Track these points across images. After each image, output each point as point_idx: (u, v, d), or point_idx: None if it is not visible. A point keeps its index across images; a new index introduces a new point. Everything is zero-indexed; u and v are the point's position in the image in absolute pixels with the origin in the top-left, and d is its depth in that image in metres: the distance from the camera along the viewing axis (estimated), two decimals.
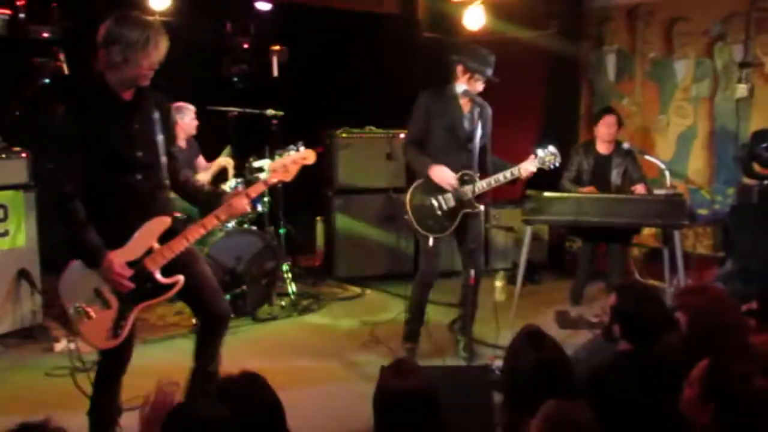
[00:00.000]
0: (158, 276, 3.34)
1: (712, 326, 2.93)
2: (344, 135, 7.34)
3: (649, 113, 7.66)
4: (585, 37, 8.07)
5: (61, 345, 5.26)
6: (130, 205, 3.30)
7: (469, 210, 4.86)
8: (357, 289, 7.09)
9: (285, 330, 5.97)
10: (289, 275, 6.66)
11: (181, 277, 3.40)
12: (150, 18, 3.29)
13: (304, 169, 7.13)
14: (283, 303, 6.42)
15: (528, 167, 4.84)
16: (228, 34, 7.46)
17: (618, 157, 6.14)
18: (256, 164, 6.44)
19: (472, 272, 4.81)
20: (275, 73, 7.08)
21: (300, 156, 3.62)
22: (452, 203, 4.86)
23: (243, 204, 3.46)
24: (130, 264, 3.28)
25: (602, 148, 6.17)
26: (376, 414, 2.58)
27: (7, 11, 5.75)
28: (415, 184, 4.97)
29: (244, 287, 5.92)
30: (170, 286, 3.38)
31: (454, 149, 4.90)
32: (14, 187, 5.40)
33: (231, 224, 6.02)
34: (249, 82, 7.55)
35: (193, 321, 3.79)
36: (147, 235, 3.31)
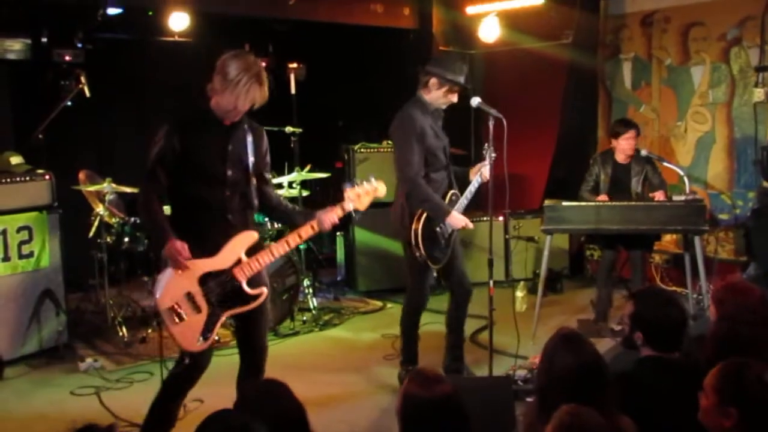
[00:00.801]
0: (245, 286, 3.53)
1: (741, 323, 2.93)
2: (362, 149, 7.39)
3: (668, 119, 7.64)
4: (601, 45, 8.07)
5: (86, 364, 5.33)
6: (219, 217, 3.53)
7: (457, 229, 4.72)
8: (378, 303, 7.11)
9: (307, 345, 6.00)
10: (311, 290, 6.71)
11: (265, 289, 3.60)
12: (257, 64, 3.44)
13: (322, 184, 7.25)
14: (304, 318, 6.45)
15: (485, 167, 4.72)
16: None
17: (637, 165, 6.12)
18: (276, 181, 6.51)
19: (491, 283, 4.59)
20: (293, 90, 7.14)
21: (373, 188, 3.79)
22: (450, 229, 4.70)
23: (325, 226, 3.66)
24: (220, 273, 3.48)
25: (621, 157, 6.17)
26: (403, 424, 2.56)
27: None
28: (422, 219, 4.58)
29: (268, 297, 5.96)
30: (255, 297, 3.58)
31: (441, 169, 4.73)
32: (38, 208, 5.50)
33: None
34: (267, 100, 7.63)
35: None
36: (236, 247, 3.52)
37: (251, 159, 3.59)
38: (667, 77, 7.62)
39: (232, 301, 3.53)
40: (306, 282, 6.67)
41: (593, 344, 2.75)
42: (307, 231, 3.63)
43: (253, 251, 3.56)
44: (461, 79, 4.62)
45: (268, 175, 3.82)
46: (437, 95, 4.64)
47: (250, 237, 3.56)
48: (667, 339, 2.95)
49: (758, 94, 6.82)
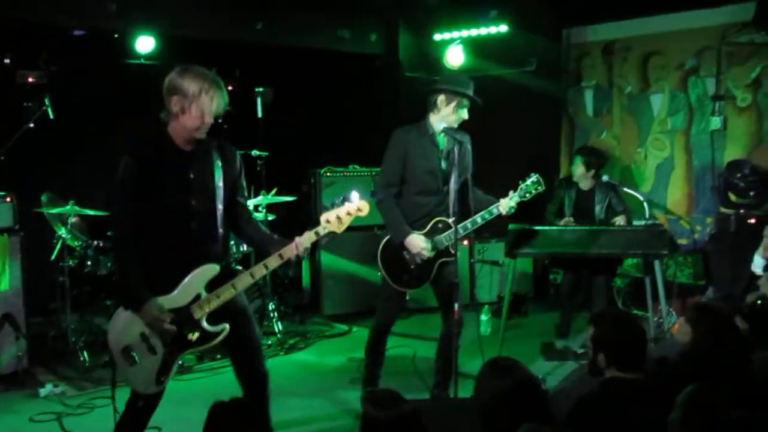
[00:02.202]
0: (204, 324, 3.34)
1: (715, 345, 2.99)
2: (328, 173, 7.42)
3: (628, 146, 7.80)
4: (564, 73, 8.23)
5: (46, 389, 5.24)
6: (182, 252, 3.32)
7: (445, 258, 4.57)
8: (344, 327, 7.10)
9: (272, 369, 5.82)
10: (276, 314, 6.68)
11: (227, 326, 3.38)
12: (209, 72, 3.31)
13: (289, 207, 7.25)
14: (269, 342, 6.41)
15: (508, 203, 4.58)
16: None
17: (600, 192, 6.23)
18: None
19: (456, 306, 4.47)
20: (260, 113, 7.16)
21: (354, 207, 3.45)
22: (428, 255, 4.55)
23: (293, 254, 3.41)
24: (176, 311, 3.29)
25: (582, 183, 6.27)
26: None
27: None
28: (386, 239, 4.59)
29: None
30: (216, 334, 3.37)
31: (429, 193, 4.59)
32: None
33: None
34: (234, 124, 7.63)
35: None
36: (194, 282, 3.32)
37: (219, 184, 3.38)
38: (628, 105, 7.79)
39: (190, 339, 3.34)
40: (271, 305, 6.65)
41: (518, 364, 2.75)
42: (274, 261, 3.40)
43: (215, 285, 3.35)
44: (470, 91, 4.53)
45: (242, 199, 3.60)
46: (447, 112, 4.51)
47: (210, 271, 3.34)
48: (629, 358, 3.00)
49: (715, 122, 7.02)
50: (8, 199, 5.49)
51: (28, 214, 5.85)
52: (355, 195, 3.53)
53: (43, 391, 5.23)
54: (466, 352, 5.02)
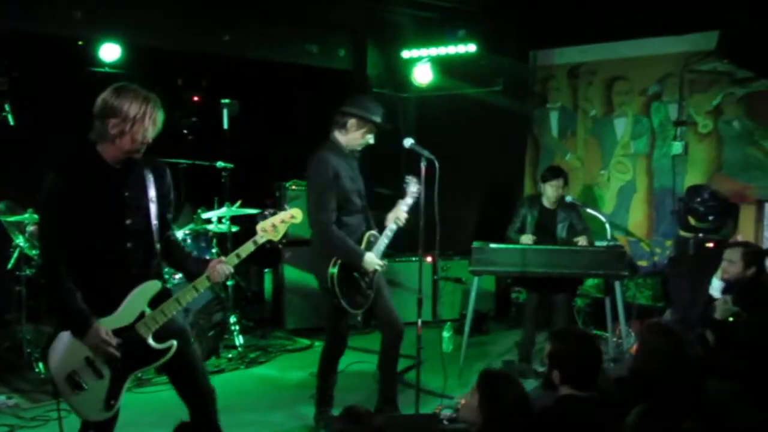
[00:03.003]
0: (150, 341, 3.26)
1: (661, 366, 3.04)
2: (294, 187, 7.39)
3: (592, 168, 7.91)
4: (530, 94, 8.34)
5: None
6: (120, 272, 3.23)
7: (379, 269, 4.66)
8: (305, 341, 7.05)
9: (232, 383, 5.90)
10: (237, 327, 6.61)
11: (174, 342, 3.31)
12: (148, 93, 3.22)
13: (255, 221, 7.20)
14: (230, 355, 6.35)
15: (402, 210, 4.69)
16: (179, 87, 7.52)
17: (563, 212, 6.30)
18: (205, 216, 6.46)
19: (419, 322, 4.59)
20: (225, 125, 7.12)
21: (288, 215, 3.56)
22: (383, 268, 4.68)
23: (227, 268, 3.43)
24: (121, 330, 3.21)
25: (548, 203, 6.34)
26: None
27: None
28: (338, 265, 4.49)
29: (192, 339, 5.84)
30: (164, 352, 3.30)
31: (356, 212, 4.65)
32: None
33: (178, 276, 5.96)
34: (199, 135, 7.59)
35: None
36: (137, 300, 3.25)
37: (152, 202, 3.31)
38: (592, 127, 7.92)
39: (138, 359, 3.26)
40: (233, 319, 6.58)
41: (514, 380, 2.80)
42: (201, 284, 3.38)
43: (157, 302, 3.28)
44: (379, 119, 4.59)
45: (169, 215, 3.53)
46: (355, 136, 4.58)
47: (152, 287, 3.27)
48: (582, 376, 3.04)
49: (676, 147, 7.17)
50: None
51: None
52: (284, 206, 3.63)
53: None
54: (427, 369, 5.03)
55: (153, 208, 3.32)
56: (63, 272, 3.13)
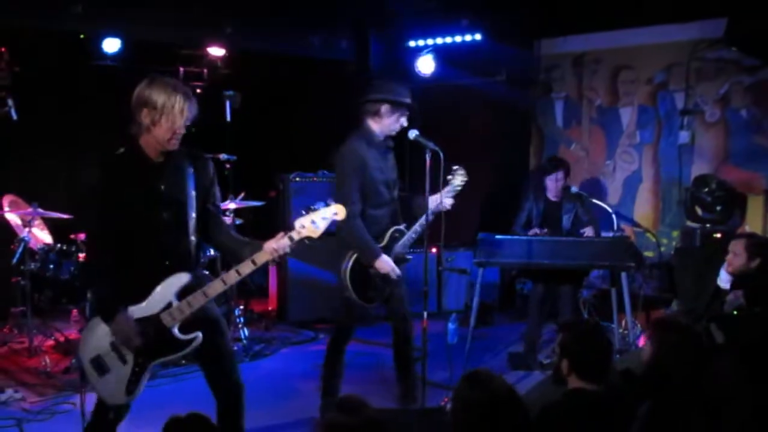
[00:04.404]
0: (175, 332, 3.30)
1: (674, 362, 3.01)
2: (297, 179, 7.37)
3: (597, 158, 7.86)
4: (534, 84, 8.28)
5: (5, 395, 5.13)
6: (154, 264, 3.31)
7: (402, 265, 4.60)
8: (310, 333, 7.05)
9: None
10: (242, 320, 6.60)
11: (199, 334, 3.34)
12: (178, 82, 3.31)
13: (258, 213, 7.20)
14: (235, 348, 6.34)
15: (445, 202, 4.58)
16: (181, 79, 7.48)
17: (568, 202, 6.26)
18: None
19: (424, 315, 4.49)
20: (228, 117, 7.09)
21: (331, 212, 3.41)
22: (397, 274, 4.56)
23: (268, 259, 3.36)
24: (147, 319, 3.27)
25: (551, 194, 6.30)
26: None
27: None
28: (353, 259, 4.48)
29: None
30: (188, 343, 3.33)
31: (383, 205, 4.58)
32: None
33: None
34: (202, 127, 7.54)
35: None
36: (165, 291, 3.30)
37: (192, 194, 3.37)
38: (597, 117, 7.86)
39: (161, 348, 3.31)
40: (237, 311, 6.57)
41: (497, 377, 2.71)
42: (247, 267, 3.33)
43: (186, 293, 3.32)
44: (409, 100, 4.55)
45: (214, 207, 3.56)
46: (390, 121, 4.52)
47: (180, 279, 3.32)
48: (592, 368, 3.01)
49: (683, 136, 7.11)
50: None
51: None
52: (330, 201, 3.50)
53: (2, 396, 5.12)
54: (432, 361, 5.01)
55: (191, 201, 3.38)
56: (103, 261, 3.32)
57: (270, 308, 7.78)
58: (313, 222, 3.37)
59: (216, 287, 3.33)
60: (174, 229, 3.35)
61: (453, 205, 4.65)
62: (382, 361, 5.74)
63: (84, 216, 3.45)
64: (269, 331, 7.08)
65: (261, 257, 3.31)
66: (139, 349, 3.26)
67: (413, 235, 4.59)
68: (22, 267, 5.94)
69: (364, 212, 4.48)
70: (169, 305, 3.29)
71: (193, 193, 3.39)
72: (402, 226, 4.62)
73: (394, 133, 4.60)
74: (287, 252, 3.36)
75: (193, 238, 3.42)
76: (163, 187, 3.33)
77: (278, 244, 3.32)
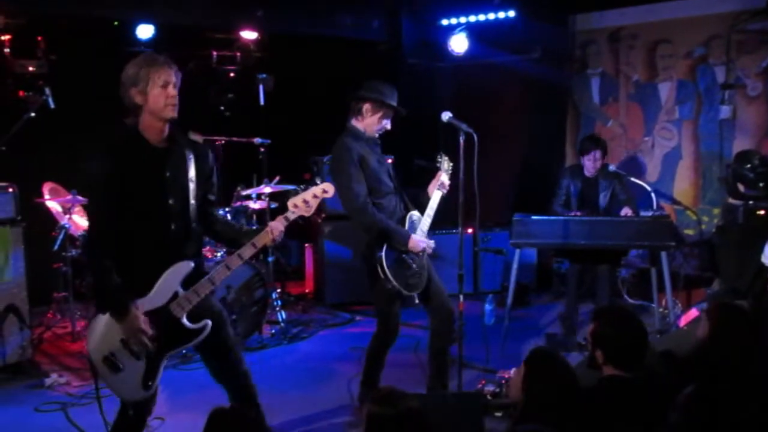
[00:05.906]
0: (185, 321, 3.29)
1: (731, 347, 2.94)
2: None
3: (634, 135, 7.73)
4: (569, 60, 8.15)
5: (50, 380, 5.23)
6: (160, 252, 3.27)
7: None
8: (347, 315, 7.07)
9: (276, 358, 5.95)
10: (279, 303, 6.65)
11: (208, 322, 3.33)
12: (152, 53, 3.31)
13: (291, 196, 7.20)
14: (273, 331, 6.40)
15: (443, 181, 4.60)
16: (214, 63, 7.51)
17: (605, 180, 6.17)
18: (244, 192, 6.47)
19: (460, 297, 4.52)
20: (262, 101, 7.10)
21: (320, 189, 3.49)
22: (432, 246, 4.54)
23: (268, 239, 3.41)
24: (155, 311, 3.24)
25: (589, 172, 6.22)
26: None
27: None
28: (383, 252, 4.35)
29: (234, 316, 5.89)
30: (198, 331, 3.32)
31: (389, 194, 4.52)
32: (1, 222, 5.36)
33: (220, 253, 6.01)
34: (236, 111, 7.58)
35: None
36: (170, 280, 3.26)
37: (192, 182, 3.35)
38: (634, 93, 7.72)
39: (172, 339, 3.29)
40: (274, 295, 6.62)
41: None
42: (248, 250, 3.36)
43: (191, 282, 3.30)
44: (394, 102, 4.48)
45: (213, 197, 3.55)
46: (372, 121, 4.47)
47: (184, 267, 3.28)
48: (626, 357, 2.97)
49: (724, 111, 6.95)
50: (10, 190, 5.45)
51: (29, 205, 5.82)
52: (316, 180, 3.55)
53: (47, 381, 5.22)
54: (469, 342, 5.00)
55: (192, 189, 3.35)
56: (109, 253, 3.18)
57: (307, 291, 7.83)
58: (305, 201, 3.45)
59: (221, 273, 3.33)
60: (179, 217, 3.32)
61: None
62: (419, 343, 5.73)
63: (89, 206, 3.35)
64: (306, 314, 7.13)
65: (261, 240, 3.36)
66: (149, 346, 3.23)
67: (428, 220, 4.55)
68: (63, 253, 6.06)
69: (375, 204, 4.42)
70: (175, 295, 3.27)
71: (194, 180, 3.37)
72: (416, 211, 4.59)
73: (377, 134, 4.54)
74: (282, 231, 3.41)
75: (195, 226, 3.40)
76: (168, 173, 3.29)
77: (273, 224, 3.39)
